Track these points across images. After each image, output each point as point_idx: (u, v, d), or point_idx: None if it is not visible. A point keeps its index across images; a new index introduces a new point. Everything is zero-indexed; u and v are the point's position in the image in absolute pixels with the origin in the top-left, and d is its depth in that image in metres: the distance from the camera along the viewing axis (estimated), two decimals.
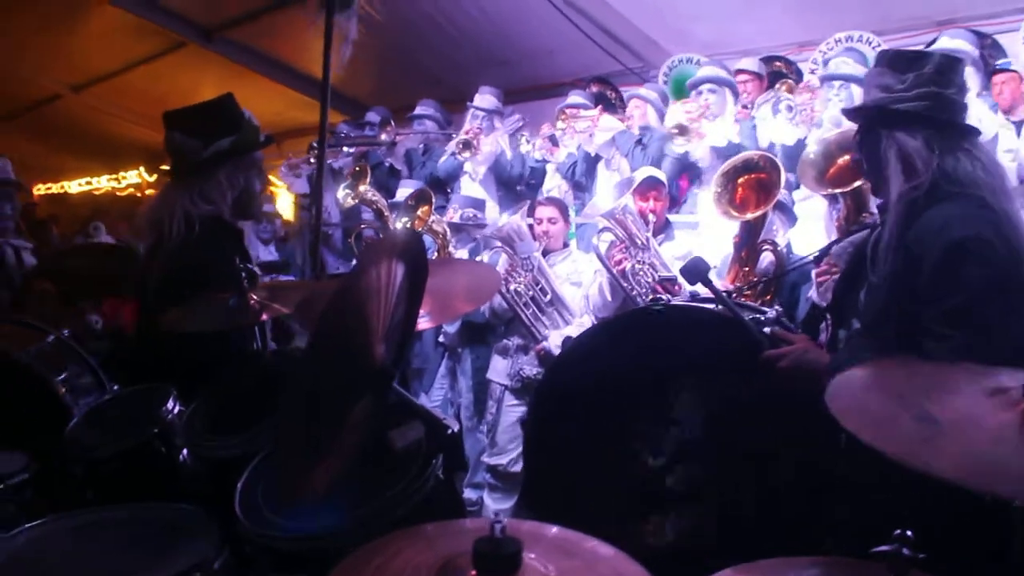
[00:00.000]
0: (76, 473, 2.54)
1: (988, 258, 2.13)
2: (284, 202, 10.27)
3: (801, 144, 5.37)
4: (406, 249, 1.77)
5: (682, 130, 5.80)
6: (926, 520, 1.88)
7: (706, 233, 5.45)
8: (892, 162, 2.32)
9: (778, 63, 6.80)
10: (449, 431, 1.88)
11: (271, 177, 8.15)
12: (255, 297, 2.73)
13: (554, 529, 1.35)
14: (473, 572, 1.14)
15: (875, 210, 3.70)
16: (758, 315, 2.71)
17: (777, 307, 3.28)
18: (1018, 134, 5.08)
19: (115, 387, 3.21)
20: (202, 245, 3.01)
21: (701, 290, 2.76)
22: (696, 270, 2.64)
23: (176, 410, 2.62)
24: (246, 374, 2.74)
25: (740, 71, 6.43)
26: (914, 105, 2.31)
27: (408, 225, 6.08)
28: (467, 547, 1.15)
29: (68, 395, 3.19)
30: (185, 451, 2.57)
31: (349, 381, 1.79)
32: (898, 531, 1.21)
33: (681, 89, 6.74)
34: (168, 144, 3.22)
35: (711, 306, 2.72)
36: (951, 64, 2.36)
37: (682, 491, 2.57)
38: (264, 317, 2.72)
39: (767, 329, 2.54)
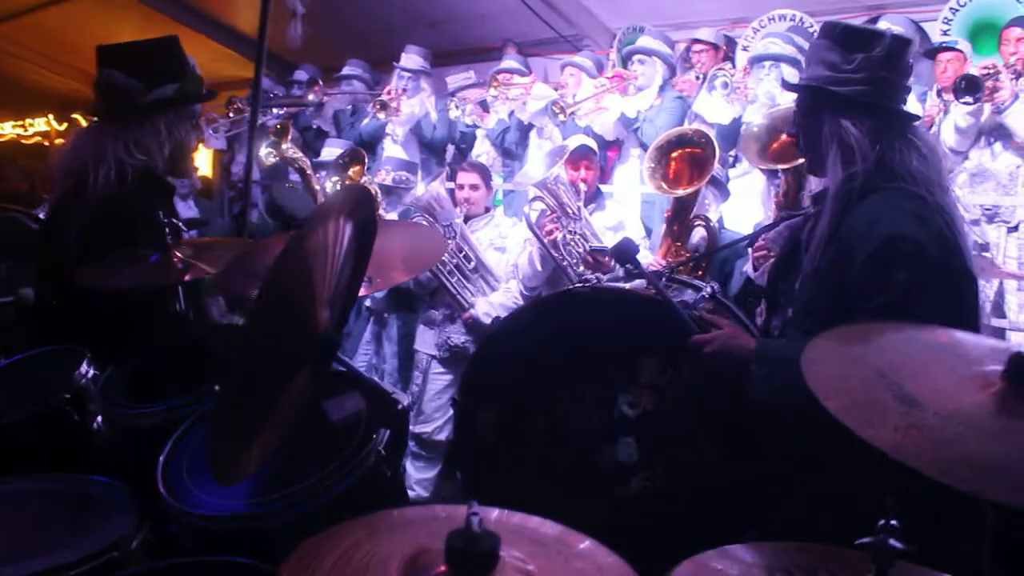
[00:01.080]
0: None
1: (916, 256, 2.07)
2: (201, 157, 9.93)
3: (737, 122, 5.39)
4: (356, 206, 1.64)
5: (562, 109, 5.82)
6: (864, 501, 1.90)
7: (622, 205, 5.45)
8: (832, 149, 2.25)
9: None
10: (399, 406, 1.77)
11: None
12: (179, 255, 2.56)
13: (517, 516, 1.26)
14: (443, 568, 1.04)
15: (813, 188, 3.74)
16: (696, 290, 2.70)
17: (713, 283, 3.27)
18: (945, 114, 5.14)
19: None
20: (133, 199, 2.78)
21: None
22: (624, 251, 2.60)
23: (90, 374, 2.45)
24: (167, 338, 2.58)
25: (696, 40, 6.40)
26: (860, 90, 2.21)
27: (338, 185, 5.89)
28: (436, 539, 1.05)
29: None
30: (100, 419, 2.40)
31: (290, 348, 1.67)
32: (883, 520, 1.15)
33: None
34: (103, 82, 2.92)
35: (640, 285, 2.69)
36: (901, 47, 2.26)
37: (611, 473, 2.53)
38: (188, 277, 2.55)
39: (696, 312, 2.49)
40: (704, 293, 2.66)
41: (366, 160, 6.30)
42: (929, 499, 1.47)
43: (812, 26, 6.16)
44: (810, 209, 2.61)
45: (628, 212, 5.35)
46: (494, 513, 1.18)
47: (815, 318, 2.23)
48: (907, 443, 1.24)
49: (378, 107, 6.94)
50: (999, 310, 4.90)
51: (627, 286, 2.71)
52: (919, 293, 2.06)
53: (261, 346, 1.64)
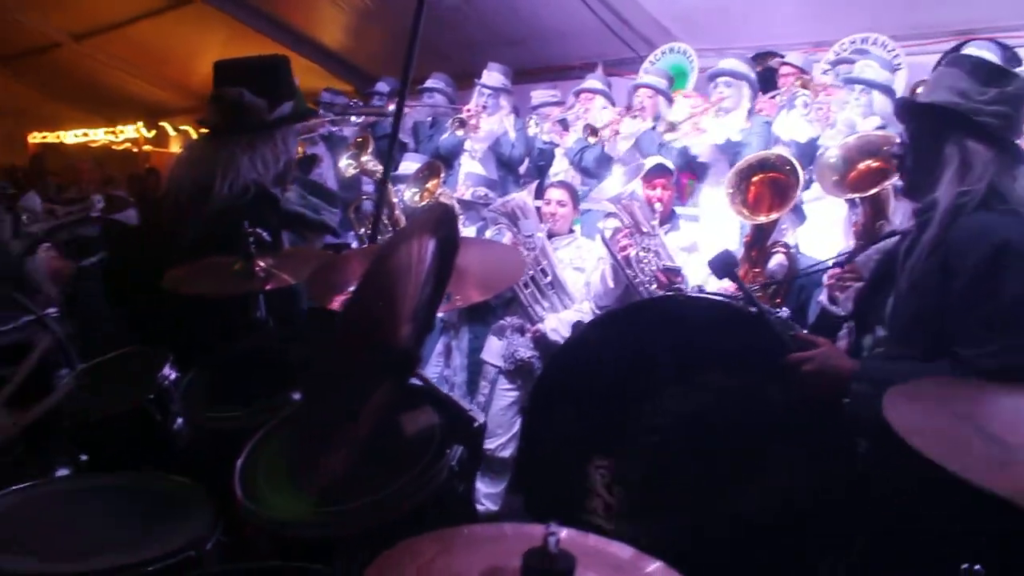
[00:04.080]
0: (66, 431, 2.43)
1: None
2: None
3: (813, 143, 5.31)
4: (440, 223, 1.67)
5: (671, 128, 5.75)
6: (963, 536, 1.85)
7: (709, 228, 5.39)
8: (953, 165, 2.29)
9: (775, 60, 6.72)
10: (475, 424, 1.79)
11: None
12: (261, 264, 2.62)
13: (591, 538, 1.27)
14: None
15: (893, 219, 3.67)
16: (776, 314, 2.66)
17: (786, 309, 3.23)
18: None
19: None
20: (248, 212, 2.83)
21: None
22: (724, 263, 2.57)
23: (173, 376, 2.53)
24: (248, 345, 2.64)
25: (785, 63, 6.32)
26: (991, 121, 2.29)
27: (416, 197, 5.96)
28: (508, 557, 1.07)
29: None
30: (180, 420, 2.47)
31: (371, 362, 1.69)
32: (966, 565, 1.13)
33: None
34: (229, 98, 3.02)
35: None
36: None
37: (678, 489, 2.48)
38: (269, 286, 2.61)
39: (793, 330, 2.47)
40: (777, 318, 2.62)
41: (443, 173, 6.36)
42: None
43: (894, 50, 6.05)
44: (905, 225, 2.63)
45: (716, 235, 5.28)
46: (564, 532, 1.19)
47: (912, 334, 2.27)
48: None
49: (457, 124, 6.98)
50: None
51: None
52: None
53: (343, 358, 1.67)
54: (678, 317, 2.63)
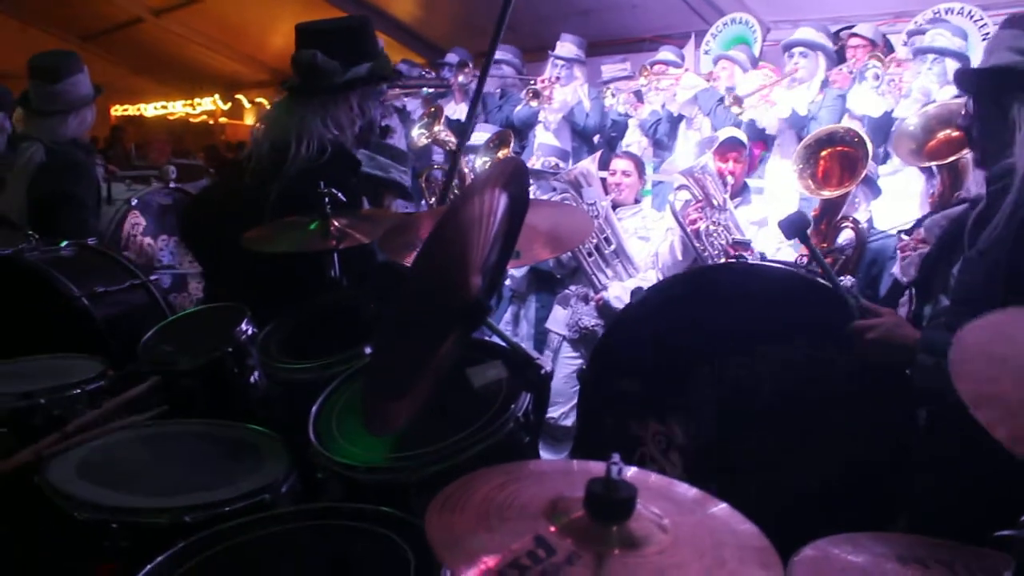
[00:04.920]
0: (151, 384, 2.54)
1: None
2: None
3: (888, 116, 5.21)
4: (512, 178, 1.70)
5: (737, 100, 5.67)
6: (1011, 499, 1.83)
7: (775, 200, 5.33)
8: (1021, 132, 2.17)
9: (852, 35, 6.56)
10: (542, 371, 1.83)
11: None
12: (336, 223, 2.69)
13: (654, 476, 1.30)
14: (582, 513, 1.09)
15: (971, 188, 3.59)
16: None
17: (851, 278, 3.18)
18: None
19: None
20: (327, 172, 2.88)
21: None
22: (796, 224, 2.51)
23: (250, 331, 2.61)
24: (322, 301, 2.71)
25: (853, 34, 6.20)
26: None
27: (486, 165, 6.01)
28: (574, 488, 1.10)
29: None
30: (257, 373, 2.56)
31: (443, 312, 1.74)
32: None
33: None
34: (304, 61, 3.05)
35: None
36: None
37: (738, 457, 2.48)
38: (343, 244, 2.68)
39: (857, 298, 2.43)
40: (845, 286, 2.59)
41: (512, 142, 6.39)
42: None
43: (982, 19, 5.87)
44: (976, 194, 2.54)
45: (782, 207, 5.23)
46: (632, 470, 1.22)
47: (979, 303, 2.14)
48: None
49: (531, 95, 6.99)
50: None
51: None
52: None
53: (414, 308, 1.72)
54: (740, 285, 2.59)
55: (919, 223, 3.30)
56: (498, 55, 7.73)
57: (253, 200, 2.94)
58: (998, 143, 2.24)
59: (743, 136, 5.14)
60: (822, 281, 2.41)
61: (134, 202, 5.37)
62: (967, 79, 2.47)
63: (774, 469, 2.43)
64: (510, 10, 3.87)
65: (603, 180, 5.27)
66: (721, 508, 1.21)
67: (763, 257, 3.13)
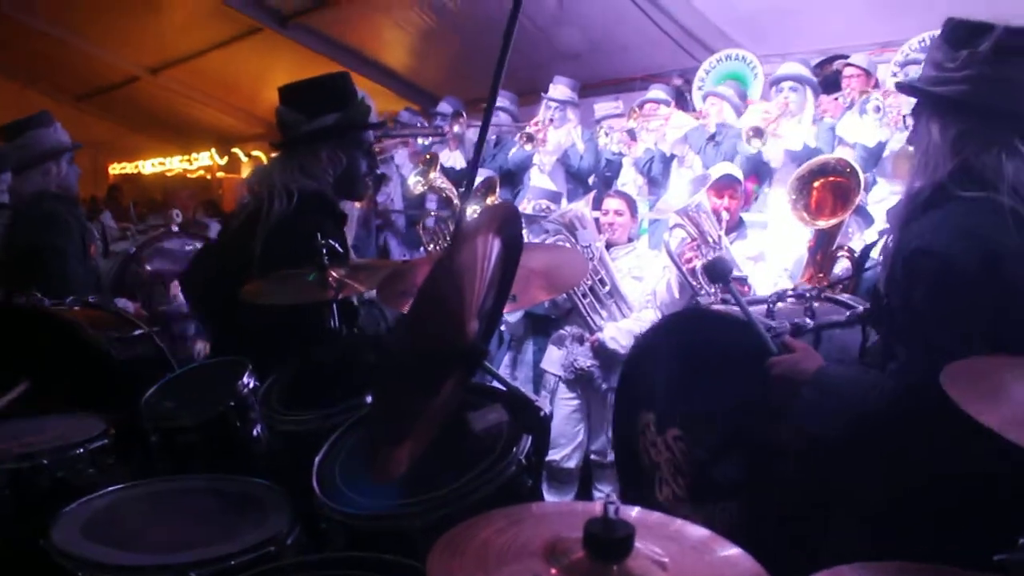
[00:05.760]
0: (154, 441, 2.55)
1: (939, 273, 1.92)
2: None
3: (881, 146, 5.25)
4: (505, 223, 1.72)
5: (757, 133, 5.69)
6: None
7: (776, 233, 5.35)
8: (918, 155, 2.09)
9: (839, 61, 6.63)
10: (541, 413, 1.84)
11: None
12: (334, 274, 2.71)
13: (655, 515, 1.31)
14: (582, 554, 1.10)
15: None
16: (847, 308, 2.67)
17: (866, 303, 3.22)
18: None
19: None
20: (301, 220, 2.97)
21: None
22: (715, 270, 2.62)
23: (251, 384, 2.62)
24: (322, 352, 2.72)
25: (849, 64, 6.26)
26: (957, 89, 1.99)
27: (476, 214, 6.05)
28: (574, 529, 1.11)
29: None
30: (259, 426, 2.57)
31: (440, 357, 1.76)
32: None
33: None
34: (276, 117, 3.21)
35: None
36: (1014, 40, 1.96)
37: (722, 485, 2.61)
38: (342, 295, 2.70)
39: (781, 335, 2.46)
40: (851, 314, 2.61)
41: (498, 189, 6.46)
42: None
43: None
44: None
45: (785, 239, 5.27)
46: (635, 511, 1.23)
47: (891, 336, 2.16)
48: None
49: (525, 139, 7.05)
50: None
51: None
52: (939, 316, 1.91)
53: (412, 355, 1.73)
54: (697, 326, 2.79)
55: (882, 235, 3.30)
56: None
57: (246, 254, 3.00)
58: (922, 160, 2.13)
59: (739, 172, 5.17)
60: (743, 319, 2.48)
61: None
62: (902, 91, 2.45)
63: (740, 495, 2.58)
64: (507, 59, 3.93)
65: (596, 220, 5.30)
66: (724, 546, 1.22)
67: (723, 300, 3.20)
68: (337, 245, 2.79)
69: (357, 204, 6.49)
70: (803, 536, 2.26)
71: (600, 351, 5.02)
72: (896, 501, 2.02)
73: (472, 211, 6.19)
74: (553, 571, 1.09)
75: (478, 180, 6.62)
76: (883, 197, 5.06)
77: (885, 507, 2.07)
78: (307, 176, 3.09)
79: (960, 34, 2.02)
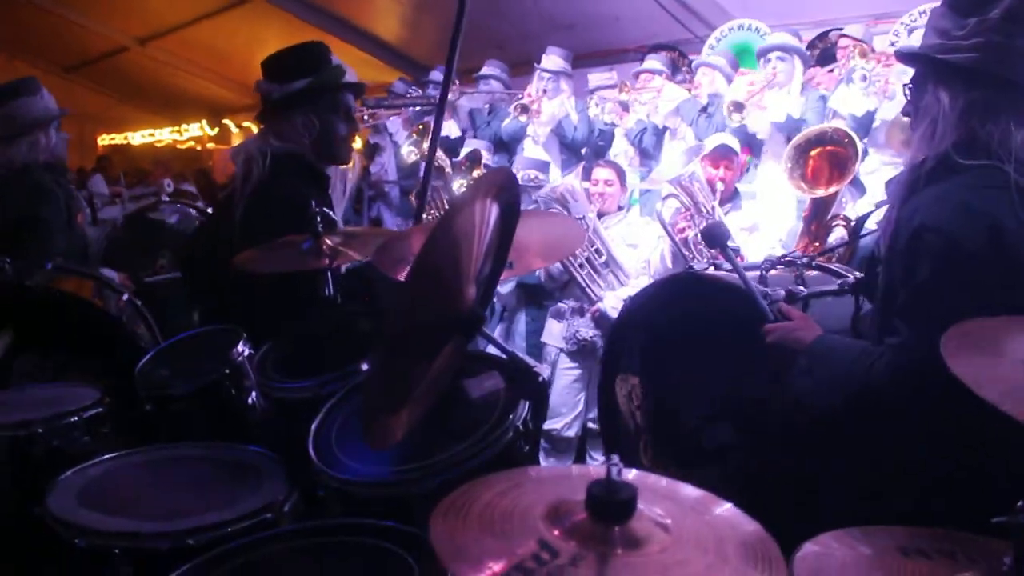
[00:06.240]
0: (149, 410, 2.54)
1: (943, 250, 1.89)
2: None
3: (870, 116, 5.22)
4: (502, 189, 1.71)
5: (738, 107, 5.68)
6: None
7: (766, 204, 5.35)
8: (923, 124, 2.04)
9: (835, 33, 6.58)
10: (540, 378, 1.84)
11: None
12: (329, 242, 2.70)
13: (653, 477, 1.31)
14: (584, 516, 1.11)
15: None
16: (838, 277, 2.69)
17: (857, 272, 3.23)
18: None
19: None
20: (279, 184, 3.00)
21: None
22: (713, 235, 2.63)
23: (246, 352, 2.61)
24: (317, 319, 2.72)
25: (843, 35, 6.20)
26: (967, 57, 1.94)
27: (463, 187, 6.05)
28: (576, 492, 1.12)
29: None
30: (255, 394, 2.56)
31: (438, 324, 1.75)
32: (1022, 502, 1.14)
33: (738, 57, 6.62)
34: (255, 88, 3.26)
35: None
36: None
37: (711, 450, 2.65)
38: (336, 262, 2.69)
39: (777, 303, 2.46)
40: (849, 280, 2.62)
41: (483, 160, 6.47)
42: None
43: None
44: None
45: (774, 211, 5.27)
46: (633, 472, 1.23)
47: (885, 308, 2.13)
48: None
49: (519, 110, 7.02)
50: None
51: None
52: (940, 294, 1.89)
53: (411, 321, 1.73)
54: (691, 291, 2.79)
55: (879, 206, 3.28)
56: (486, 71, 7.79)
57: (232, 225, 3.03)
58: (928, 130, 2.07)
59: (735, 142, 5.15)
60: (738, 284, 2.49)
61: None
62: (902, 60, 2.37)
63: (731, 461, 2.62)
64: (464, 20, 3.97)
65: (586, 191, 5.30)
66: (723, 507, 1.22)
67: (715, 266, 3.19)
68: (332, 214, 2.78)
69: (349, 176, 6.46)
70: (791, 503, 2.26)
71: (602, 321, 5.04)
72: (891, 471, 2.04)
73: (459, 186, 6.19)
74: (556, 532, 1.10)
75: (464, 151, 6.62)
76: (875, 168, 5.06)
77: (878, 476, 2.08)
78: (280, 140, 3.12)
79: (967, 2, 1.98)
